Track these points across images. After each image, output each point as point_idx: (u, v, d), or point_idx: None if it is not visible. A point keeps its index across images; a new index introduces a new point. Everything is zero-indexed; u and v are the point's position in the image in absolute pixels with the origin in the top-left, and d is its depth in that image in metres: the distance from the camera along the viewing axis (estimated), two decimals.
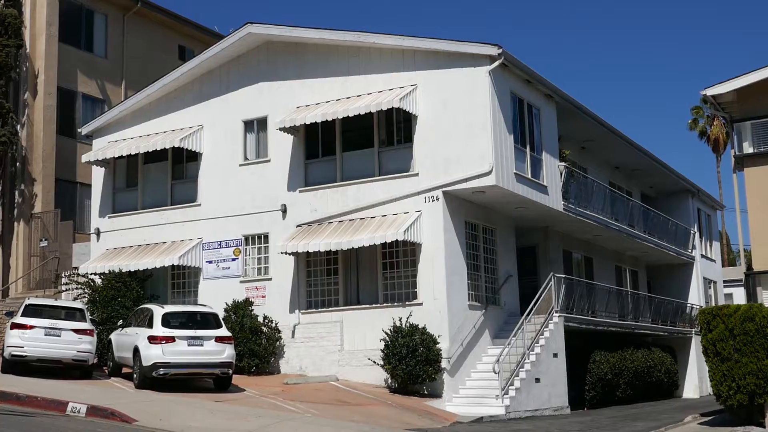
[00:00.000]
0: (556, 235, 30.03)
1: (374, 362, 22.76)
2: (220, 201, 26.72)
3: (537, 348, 23.49)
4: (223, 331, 20.70)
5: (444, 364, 22.44)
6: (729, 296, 47.32)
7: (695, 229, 40.90)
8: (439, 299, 22.84)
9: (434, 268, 23.09)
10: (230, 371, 20.56)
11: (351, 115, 23.69)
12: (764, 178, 21.67)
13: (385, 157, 24.44)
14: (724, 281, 46.88)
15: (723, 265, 53.32)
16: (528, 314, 23.77)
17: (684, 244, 39.35)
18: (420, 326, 22.34)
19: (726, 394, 18.69)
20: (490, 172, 22.75)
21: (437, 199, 23.37)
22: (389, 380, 22.62)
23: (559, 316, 24.89)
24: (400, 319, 22.55)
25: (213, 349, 20.14)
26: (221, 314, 23.07)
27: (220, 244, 26.49)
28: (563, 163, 26.89)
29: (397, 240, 22.74)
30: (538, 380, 23.20)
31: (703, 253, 42.04)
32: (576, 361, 26.65)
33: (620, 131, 31.61)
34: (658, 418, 22.88)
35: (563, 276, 26.24)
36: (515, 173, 23.91)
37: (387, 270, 24.01)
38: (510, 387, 22.06)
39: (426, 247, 23.31)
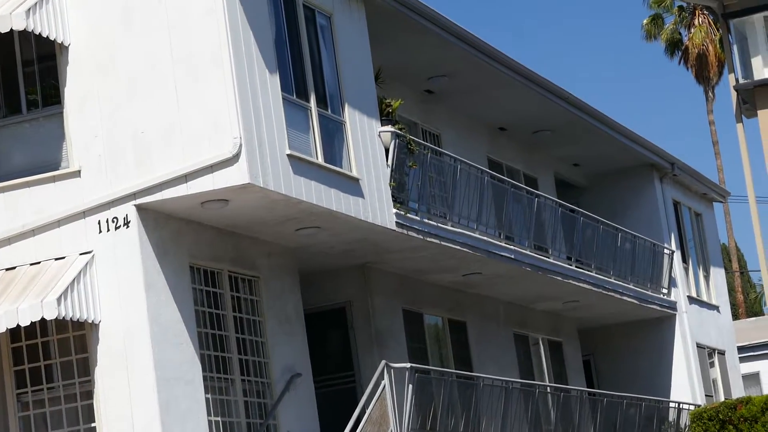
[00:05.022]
0: (387, 280, 24.55)
1: None
2: None
3: None
4: None
5: None
6: (752, 377, 42.94)
7: (673, 247, 34.24)
8: None
9: (130, 377, 18.38)
10: None
11: None
12: None
13: (5, 138, 19.87)
14: (740, 348, 40.87)
15: (735, 315, 49.11)
16: None
17: (651, 277, 32.75)
18: None
19: None
20: (236, 157, 18.07)
21: (126, 223, 18.66)
22: None
23: None
24: None
25: None
26: None
27: None
28: (390, 128, 21.60)
29: (44, 319, 18.09)
30: None
31: (692, 294, 35.45)
32: None
33: (503, 53, 26.00)
34: None
35: (410, 366, 20.61)
36: (290, 155, 18.91)
37: (22, 388, 18.76)
38: None
39: (107, 330, 18.44)
